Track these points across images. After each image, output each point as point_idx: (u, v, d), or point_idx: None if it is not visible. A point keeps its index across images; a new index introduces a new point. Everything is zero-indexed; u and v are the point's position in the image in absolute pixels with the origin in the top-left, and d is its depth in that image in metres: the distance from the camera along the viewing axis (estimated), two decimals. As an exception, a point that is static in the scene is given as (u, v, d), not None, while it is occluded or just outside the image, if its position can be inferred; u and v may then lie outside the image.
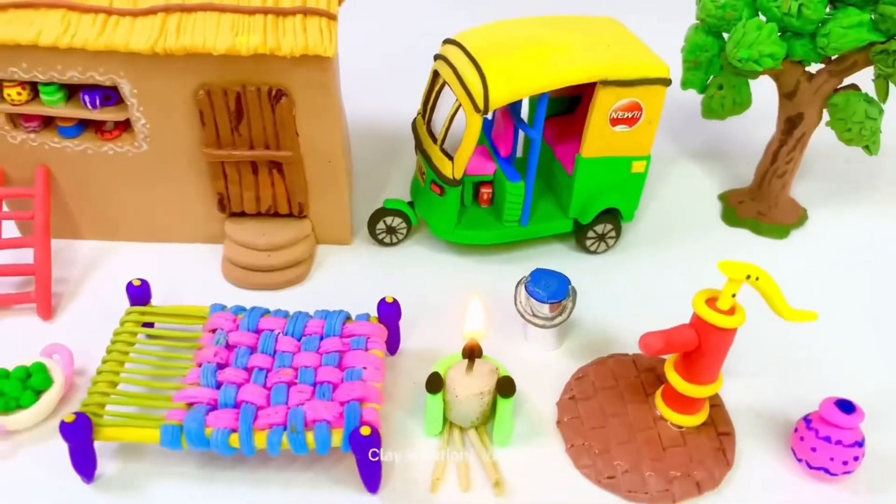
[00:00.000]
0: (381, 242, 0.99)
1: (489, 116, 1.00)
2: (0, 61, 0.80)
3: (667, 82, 0.87)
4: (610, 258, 1.01)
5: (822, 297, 0.94)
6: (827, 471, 0.73)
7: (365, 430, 0.68)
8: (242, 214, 0.94)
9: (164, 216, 0.95)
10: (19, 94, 0.83)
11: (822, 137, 1.02)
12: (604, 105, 0.87)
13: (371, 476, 0.71)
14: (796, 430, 0.75)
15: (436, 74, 0.93)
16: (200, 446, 0.70)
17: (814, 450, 0.73)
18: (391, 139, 1.18)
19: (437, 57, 0.92)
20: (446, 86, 0.90)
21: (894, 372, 0.86)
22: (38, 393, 0.77)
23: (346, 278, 0.96)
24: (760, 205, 1.05)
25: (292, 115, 0.83)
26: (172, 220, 0.96)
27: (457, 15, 1.49)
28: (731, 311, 0.70)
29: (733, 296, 0.69)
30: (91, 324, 0.88)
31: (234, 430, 0.70)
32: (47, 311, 0.88)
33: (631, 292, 0.95)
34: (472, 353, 0.74)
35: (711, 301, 0.70)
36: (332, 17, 0.80)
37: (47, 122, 0.88)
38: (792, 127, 0.98)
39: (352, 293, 0.93)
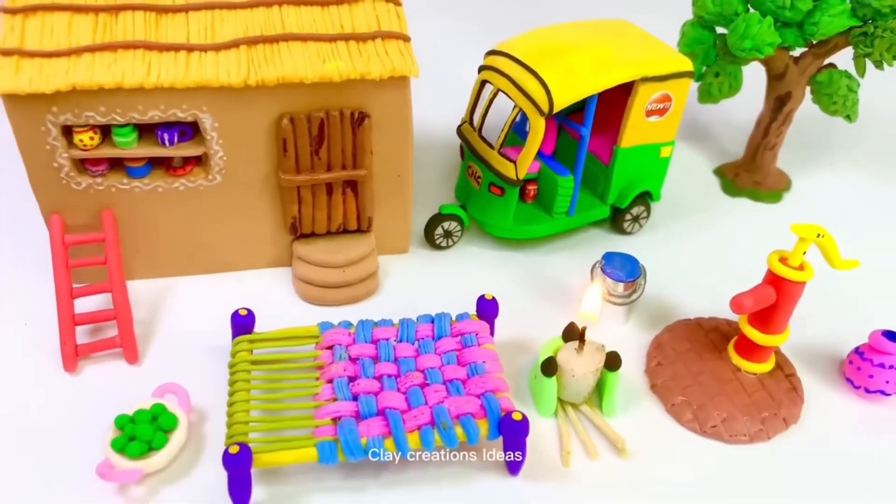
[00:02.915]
0: (438, 247, 1.05)
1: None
2: (77, 107, 0.78)
3: (692, 75, 0.98)
4: (641, 237, 1.11)
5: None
6: (883, 392, 0.86)
7: (517, 416, 0.74)
8: (311, 235, 0.96)
9: (229, 246, 0.96)
10: (91, 138, 0.82)
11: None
12: (643, 99, 0.96)
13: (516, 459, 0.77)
14: (850, 362, 0.88)
15: (483, 84, 0.99)
16: (357, 456, 0.73)
17: (871, 376, 0.86)
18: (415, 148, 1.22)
19: (482, 68, 0.98)
20: (500, 93, 0.96)
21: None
22: (167, 433, 0.77)
23: (413, 284, 1.00)
24: (755, 175, 1.19)
25: (371, 135, 0.87)
26: (236, 249, 0.96)
27: (457, 29, 1.56)
28: (802, 267, 0.81)
29: (804, 253, 0.80)
30: (179, 361, 0.88)
31: (385, 436, 0.74)
32: (133, 354, 0.87)
33: (669, 264, 1.06)
34: (582, 335, 0.82)
35: (783, 260, 0.82)
36: (406, 39, 0.84)
37: (113, 164, 0.87)
38: (781, 105, 1.12)
39: (423, 297, 0.98)
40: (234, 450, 0.70)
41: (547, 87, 0.90)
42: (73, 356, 0.85)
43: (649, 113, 0.98)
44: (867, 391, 0.87)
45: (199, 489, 0.76)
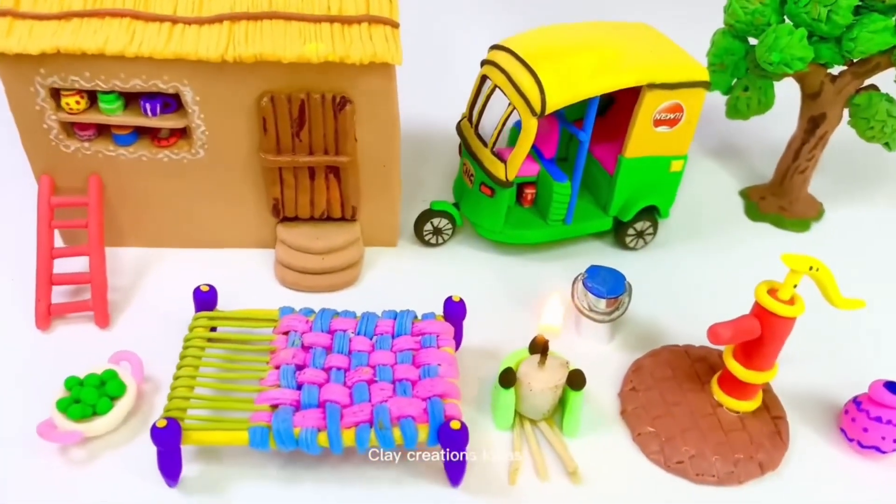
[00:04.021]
0: (427, 243, 1.02)
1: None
2: (63, 70, 0.80)
3: (707, 85, 0.91)
4: (645, 254, 1.05)
5: (851, 285, 0.98)
6: (878, 449, 0.77)
7: (455, 425, 0.70)
8: (294, 219, 0.95)
9: (215, 222, 0.95)
10: (77, 102, 0.83)
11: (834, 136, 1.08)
12: (649, 107, 0.90)
13: (456, 469, 0.73)
14: (846, 412, 0.80)
15: (483, 79, 0.95)
16: (289, 446, 0.71)
17: (865, 430, 0.77)
18: (420, 142, 1.20)
19: (484, 62, 0.95)
20: (497, 90, 0.92)
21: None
22: (113, 399, 0.77)
23: (396, 279, 0.98)
24: (782, 200, 1.11)
25: (353, 121, 0.85)
26: (222, 226, 0.96)
27: (474, 20, 1.53)
28: (792, 301, 0.74)
29: (794, 286, 0.73)
30: (147, 330, 0.89)
31: (320, 430, 0.71)
32: (104, 318, 0.88)
33: (669, 286, 0.99)
34: (545, 348, 0.77)
35: (773, 291, 0.75)
36: (395, 25, 0.82)
37: (101, 130, 0.88)
38: (815, 126, 1.04)
39: (403, 293, 0.95)
40: (161, 423, 0.69)
41: (542, 86, 0.85)
42: (45, 314, 0.87)
43: (657, 122, 0.92)
44: (861, 445, 0.78)
45: (140, 458, 0.76)
